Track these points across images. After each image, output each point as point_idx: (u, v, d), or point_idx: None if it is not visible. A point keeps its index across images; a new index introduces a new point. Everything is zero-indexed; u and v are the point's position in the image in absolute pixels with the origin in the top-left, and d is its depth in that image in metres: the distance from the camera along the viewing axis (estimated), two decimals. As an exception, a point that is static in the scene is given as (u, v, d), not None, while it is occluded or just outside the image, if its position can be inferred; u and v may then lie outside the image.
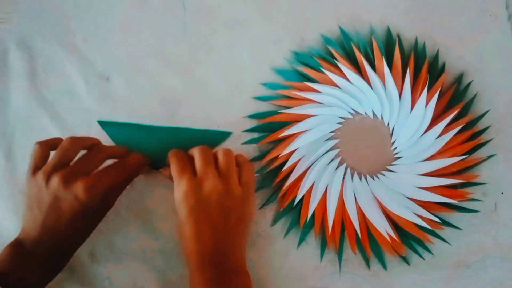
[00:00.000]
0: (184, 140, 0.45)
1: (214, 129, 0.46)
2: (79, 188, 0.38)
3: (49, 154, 0.41)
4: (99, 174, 0.40)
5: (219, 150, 0.42)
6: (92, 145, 0.42)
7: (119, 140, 0.45)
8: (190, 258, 0.39)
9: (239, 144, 0.47)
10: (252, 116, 0.48)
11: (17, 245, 0.39)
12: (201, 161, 0.40)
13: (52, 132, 0.48)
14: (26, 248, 0.39)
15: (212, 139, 0.46)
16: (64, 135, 0.47)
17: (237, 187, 0.40)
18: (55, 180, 0.38)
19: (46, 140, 0.41)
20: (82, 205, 0.39)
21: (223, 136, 0.47)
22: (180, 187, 0.40)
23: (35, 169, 0.40)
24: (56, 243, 0.40)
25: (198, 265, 0.38)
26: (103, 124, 0.45)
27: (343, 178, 0.46)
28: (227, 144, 0.47)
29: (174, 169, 0.40)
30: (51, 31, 0.49)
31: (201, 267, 0.38)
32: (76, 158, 0.41)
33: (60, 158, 0.40)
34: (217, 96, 0.48)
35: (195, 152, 0.41)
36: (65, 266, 0.42)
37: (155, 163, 0.45)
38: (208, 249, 0.38)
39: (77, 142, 0.41)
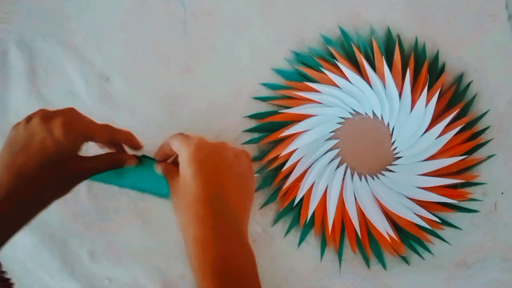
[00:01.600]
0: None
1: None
2: (56, 123, 0.37)
3: None
4: (79, 118, 0.38)
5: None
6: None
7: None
8: (196, 217, 0.35)
9: (239, 144, 0.47)
10: (252, 116, 0.48)
11: None
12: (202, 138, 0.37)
13: (52, 132, 0.48)
14: None
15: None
16: (64, 135, 0.47)
17: (249, 161, 0.37)
18: (35, 117, 0.37)
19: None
20: (55, 142, 0.36)
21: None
22: (190, 144, 0.36)
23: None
24: (19, 189, 0.36)
25: (205, 219, 0.34)
26: None
27: (343, 178, 0.46)
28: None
29: (180, 138, 0.37)
30: (51, 31, 0.49)
31: (208, 219, 0.34)
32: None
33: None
34: (217, 96, 0.48)
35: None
36: (24, 224, 0.37)
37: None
38: (218, 219, 0.34)
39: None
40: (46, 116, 0.37)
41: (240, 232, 0.35)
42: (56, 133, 0.36)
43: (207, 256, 0.33)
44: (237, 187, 0.36)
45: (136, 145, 0.42)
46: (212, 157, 0.35)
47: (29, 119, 0.38)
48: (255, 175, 0.46)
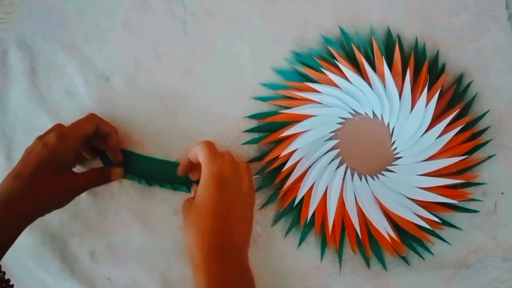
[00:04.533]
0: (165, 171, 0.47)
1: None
2: (50, 136, 0.41)
3: None
4: (71, 125, 0.43)
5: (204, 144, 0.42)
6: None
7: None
8: (200, 240, 0.38)
9: (239, 144, 0.47)
10: (252, 117, 0.48)
11: None
12: (229, 157, 0.42)
13: (52, 132, 0.48)
14: None
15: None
16: (64, 135, 0.47)
17: (251, 185, 0.42)
18: (36, 139, 0.42)
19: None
20: (49, 151, 0.40)
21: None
22: (214, 165, 0.39)
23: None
24: (18, 196, 0.39)
25: (206, 250, 0.37)
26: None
27: (343, 178, 0.46)
28: (228, 145, 0.47)
29: (207, 152, 0.40)
30: (51, 31, 0.49)
31: (210, 252, 0.37)
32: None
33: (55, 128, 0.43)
34: (217, 96, 0.48)
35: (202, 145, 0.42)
36: (22, 231, 0.40)
37: (150, 180, 0.46)
38: (225, 236, 0.38)
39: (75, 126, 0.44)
40: (43, 134, 0.42)
41: (242, 252, 0.39)
42: (50, 144, 0.41)
43: (211, 270, 0.36)
44: (245, 213, 0.41)
45: (112, 143, 0.45)
46: (230, 183, 0.40)
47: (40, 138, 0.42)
48: (256, 176, 0.46)
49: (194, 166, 0.44)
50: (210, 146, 0.41)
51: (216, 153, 0.41)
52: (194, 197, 0.40)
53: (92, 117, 0.44)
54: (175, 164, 0.45)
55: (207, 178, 0.39)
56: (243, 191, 0.40)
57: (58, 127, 0.43)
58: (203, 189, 0.39)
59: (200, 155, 0.41)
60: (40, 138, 0.41)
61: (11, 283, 0.40)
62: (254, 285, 0.39)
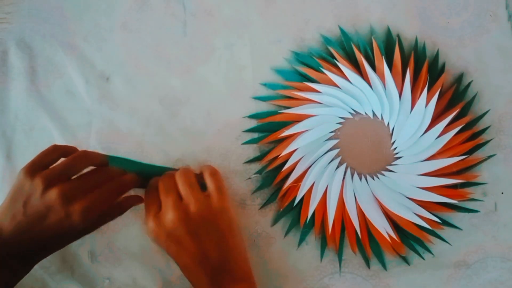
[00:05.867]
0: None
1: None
2: (75, 210, 0.37)
3: (58, 160, 0.39)
4: (97, 198, 0.38)
5: (178, 172, 0.41)
6: (100, 164, 0.41)
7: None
8: (192, 279, 0.39)
9: (239, 144, 0.47)
10: (252, 116, 0.48)
11: None
12: (161, 191, 0.40)
13: (52, 132, 0.48)
14: None
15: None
16: (64, 135, 0.47)
17: (200, 203, 0.39)
18: (54, 193, 0.37)
19: (64, 146, 0.40)
20: (72, 225, 0.37)
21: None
22: (147, 227, 0.40)
23: (37, 168, 0.38)
24: (30, 249, 0.38)
25: (201, 282, 0.38)
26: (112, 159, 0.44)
27: (343, 178, 0.46)
28: (227, 145, 0.47)
29: (144, 205, 0.41)
30: (51, 31, 0.49)
31: (205, 282, 0.38)
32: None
33: (65, 169, 0.38)
34: (217, 96, 0.48)
35: (159, 183, 0.41)
36: (22, 277, 0.40)
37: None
38: (203, 276, 0.38)
39: (88, 158, 0.40)
40: (65, 196, 0.37)
41: (232, 269, 0.39)
42: (73, 219, 0.37)
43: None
44: (206, 238, 0.39)
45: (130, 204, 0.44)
46: (165, 238, 0.39)
47: (45, 185, 0.37)
48: (255, 174, 0.46)
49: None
50: (149, 195, 0.41)
51: (148, 206, 0.40)
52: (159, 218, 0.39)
53: (118, 186, 0.40)
54: (162, 169, 0.44)
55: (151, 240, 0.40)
56: (183, 225, 0.38)
57: (66, 192, 0.37)
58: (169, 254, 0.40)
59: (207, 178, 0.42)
60: (63, 202, 0.36)
61: None
62: None
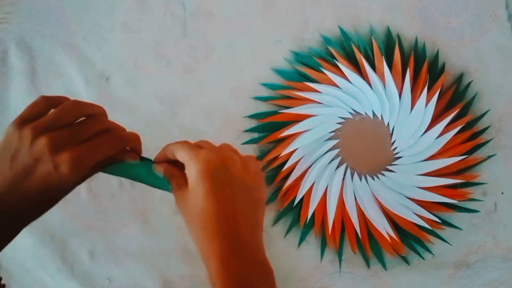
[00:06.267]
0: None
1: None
2: (64, 159, 0.34)
3: (48, 111, 0.36)
4: (89, 148, 0.35)
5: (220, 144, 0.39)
6: (96, 113, 0.38)
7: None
8: (211, 234, 0.35)
9: (239, 144, 0.47)
10: (252, 116, 0.48)
11: None
12: (209, 145, 0.37)
13: (52, 132, 0.48)
14: None
15: None
16: (64, 135, 0.47)
17: (257, 166, 0.37)
18: (42, 142, 0.34)
19: (53, 97, 0.37)
20: (61, 177, 0.34)
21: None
22: (198, 160, 0.35)
23: (25, 120, 0.35)
24: (15, 205, 0.35)
25: (222, 250, 0.34)
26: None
27: (343, 178, 0.46)
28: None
29: (186, 149, 0.36)
30: (51, 31, 0.49)
31: (226, 238, 0.34)
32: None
33: (55, 119, 0.35)
34: (217, 96, 0.48)
35: (195, 142, 0.38)
36: (13, 238, 0.36)
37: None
38: (235, 224, 0.35)
39: (80, 107, 0.37)
40: (54, 144, 0.34)
41: (256, 246, 0.36)
42: (62, 170, 0.34)
43: (227, 271, 0.34)
44: (249, 200, 0.36)
45: (139, 150, 0.40)
46: (222, 173, 0.35)
47: (35, 131, 0.35)
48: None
49: (172, 164, 0.39)
50: (187, 143, 0.37)
51: (194, 146, 0.36)
52: (186, 190, 0.36)
53: (112, 137, 0.37)
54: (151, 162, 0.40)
55: (195, 178, 0.35)
56: (240, 174, 0.35)
57: (55, 142, 0.34)
58: (195, 191, 0.35)
59: (178, 154, 0.36)
60: (51, 151, 0.34)
61: (2, 283, 0.38)
62: (273, 279, 0.36)
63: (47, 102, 0.36)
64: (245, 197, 0.36)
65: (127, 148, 0.39)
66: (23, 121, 0.35)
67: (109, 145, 0.37)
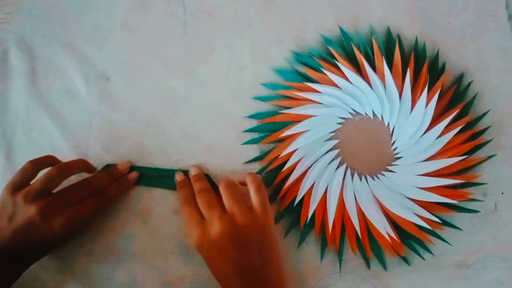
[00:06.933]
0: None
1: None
2: (55, 222, 0.40)
3: (36, 174, 0.42)
4: (77, 210, 0.41)
5: (221, 184, 0.43)
6: (79, 171, 0.44)
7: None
8: None
9: (239, 144, 0.47)
10: (252, 116, 0.48)
11: None
12: (204, 205, 0.42)
13: (52, 132, 0.48)
14: None
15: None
16: (64, 135, 0.47)
17: (246, 216, 0.40)
18: (33, 210, 0.39)
19: (39, 159, 0.42)
20: (54, 236, 0.40)
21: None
22: (191, 236, 0.41)
23: (17, 187, 0.40)
24: (15, 258, 0.40)
25: None
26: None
27: (343, 178, 0.46)
28: (228, 145, 0.47)
29: (184, 217, 0.43)
30: (51, 31, 0.49)
31: None
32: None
33: (43, 186, 0.40)
34: (217, 96, 0.48)
35: (197, 197, 0.43)
36: (13, 282, 0.41)
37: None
38: (239, 285, 0.39)
39: (64, 172, 0.42)
40: (44, 211, 0.39)
41: (270, 280, 0.40)
42: (56, 231, 0.40)
43: None
44: (250, 252, 0.40)
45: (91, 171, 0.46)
46: (211, 248, 0.40)
47: (27, 198, 0.40)
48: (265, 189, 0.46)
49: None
50: (188, 205, 0.43)
51: (191, 217, 0.42)
52: (205, 232, 0.40)
53: (95, 198, 0.43)
54: (165, 171, 0.47)
55: (199, 252, 0.41)
56: (239, 236, 0.40)
57: (45, 209, 0.40)
58: (206, 263, 0.41)
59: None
60: (43, 217, 0.39)
61: None
62: None
63: (35, 167, 0.41)
64: (240, 252, 0.40)
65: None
66: (14, 188, 0.40)
67: (93, 205, 0.43)
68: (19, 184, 0.40)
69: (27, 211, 0.39)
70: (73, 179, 0.45)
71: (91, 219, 0.44)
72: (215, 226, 0.40)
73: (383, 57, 0.45)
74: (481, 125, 0.47)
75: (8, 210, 0.40)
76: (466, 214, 0.46)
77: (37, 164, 0.42)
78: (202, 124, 0.48)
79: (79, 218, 0.41)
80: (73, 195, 0.42)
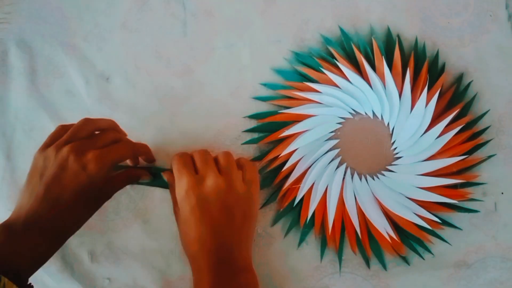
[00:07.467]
0: None
1: None
2: (88, 158, 0.38)
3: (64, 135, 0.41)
4: (108, 148, 0.40)
5: (219, 152, 0.42)
6: (107, 126, 0.43)
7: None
8: (193, 259, 0.39)
9: (239, 144, 0.47)
10: (252, 116, 0.48)
11: (5, 228, 0.37)
12: (201, 160, 0.41)
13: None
14: (17, 230, 0.37)
15: None
16: (64, 135, 0.47)
17: (239, 184, 0.40)
18: (66, 150, 0.38)
19: (67, 124, 0.42)
20: (89, 177, 0.39)
21: None
22: (181, 184, 0.39)
23: (47, 145, 0.40)
24: (53, 219, 0.38)
25: (202, 266, 0.38)
26: None
27: (343, 178, 0.46)
28: (228, 144, 0.47)
29: (175, 167, 0.40)
30: (51, 31, 0.49)
31: (205, 268, 0.38)
32: None
33: (72, 135, 0.40)
34: (217, 96, 0.48)
35: (194, 153, 0.42)
36: (57, 251, 0.40)
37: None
38: (212, 249, 0.38)
39: (92, 123, 0.42)
40: (76, 149, 0.39)
41: (241, 258, 0.39)
42: (89, 169, 0.39)
43: (214, 280, 0.37)
44: (233, 218, 0.39)
45: (150, 158, 0.46)
46: (202, 199, 0.39)
47: (57, 147, 0.39)
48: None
49: None
50: (180, 156, 0.41)
51: (185, 166, 0.40)
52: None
53: (130, 147, 0.43)
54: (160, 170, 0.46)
55: (178, 199, 0.40)
56: (222, 197, 0.39)
57: (78, 148, 0.39)
58: (180, 212, 0.40)
59: (173, 168, 0.41)
60: (76, 154, 0.38)
61: None
62: (257, 285, 0.39)
63: (64, 128, 0.42)
64: (226, 216, 0.39)
65: (139, 157, 0.45)
66: (45, 146, 0.40)
67: (125, 150, 0.42)
68: (49, 142, 0.40)
69: (59, 156, 0.38)
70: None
71: (122, 164, 0.43)
72: (210, 181, 0.39)
73: (383, 57, 0.45)
74: (481, 125, 0.47)
75: (39, 167, 0.39)
76: (466, 214, 0.46)
77: (66, 126, 0.42)
78: (202, 124, 0.48)
79: (111, 157, 0.40)
80: (102, 138, 0.41)
